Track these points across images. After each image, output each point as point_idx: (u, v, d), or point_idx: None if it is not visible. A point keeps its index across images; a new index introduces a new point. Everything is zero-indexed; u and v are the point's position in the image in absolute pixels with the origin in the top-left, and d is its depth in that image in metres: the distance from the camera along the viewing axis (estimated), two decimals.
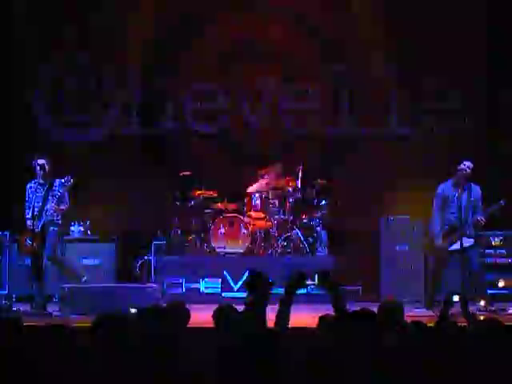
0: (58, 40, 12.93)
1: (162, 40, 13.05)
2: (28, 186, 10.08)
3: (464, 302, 5.84)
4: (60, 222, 10.09)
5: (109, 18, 12.85)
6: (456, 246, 9.91)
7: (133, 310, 5.75)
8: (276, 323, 4.77)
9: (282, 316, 4.78)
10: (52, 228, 9.95)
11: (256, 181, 12.34)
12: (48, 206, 9.86)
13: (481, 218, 9.90)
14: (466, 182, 9.92)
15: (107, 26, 12.87)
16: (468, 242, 9.87)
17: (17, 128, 12.83)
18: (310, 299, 10.20)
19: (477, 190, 10.05)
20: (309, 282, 4.91)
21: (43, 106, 13.12)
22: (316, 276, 4.86)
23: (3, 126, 12.76)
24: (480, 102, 13.00)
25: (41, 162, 9.96)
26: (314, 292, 10.59)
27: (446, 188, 10.11)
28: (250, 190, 12.22)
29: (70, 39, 12.96)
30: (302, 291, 10.39)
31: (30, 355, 4.11)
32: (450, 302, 5.78)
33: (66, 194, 9.99)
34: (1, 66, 12.81)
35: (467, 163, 9.91)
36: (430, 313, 9.46)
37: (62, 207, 9.96)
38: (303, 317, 7.19)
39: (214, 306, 5.14)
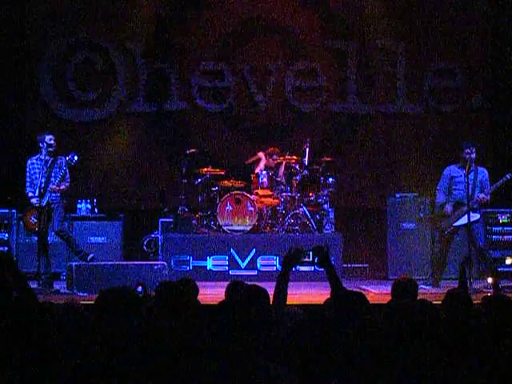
0: (65, 17, 12.87)
1: (168, 17, 13.00)
2: (29, 161, 9.98)
3: (462, 272, 5.85)
4: (64, 198, 10.02)
5: None
6: (462, 221, 9.90)
7: (139, 289, 5.71)
8: (274, 299, 4.77)
9: (280, 292, 4.79)
10: (57, 203, 9.90)
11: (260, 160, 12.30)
12: (52, 183, 9.78)
13: (483, 196, 9.88)
14: (472, 165, 9.84)
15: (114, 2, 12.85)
16: (474, 217, 9.85)
17: (23, 105, 12.81)
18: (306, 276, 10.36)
19: (484, 172, 10.05)
20: (305, 260, 4.84)
21: (50, 82, 13.08)
22: (311, 253, 4.82)
23: (9, 102, 12.74)
24: (486, 80, 12.96)
25: (47, 137, 9.90)
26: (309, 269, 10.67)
27: (452, 169, 10.13)
28: (258, 170, 12.15)
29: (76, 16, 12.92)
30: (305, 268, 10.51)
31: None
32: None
33: (68, 171, 9.92)
34: (9, 42, 12.76)
35: (469, 148, 9.86)
36: (437, 290, 9.45)
37: (63, 186, 9.87)
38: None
39: (221, 284, 5.13)
